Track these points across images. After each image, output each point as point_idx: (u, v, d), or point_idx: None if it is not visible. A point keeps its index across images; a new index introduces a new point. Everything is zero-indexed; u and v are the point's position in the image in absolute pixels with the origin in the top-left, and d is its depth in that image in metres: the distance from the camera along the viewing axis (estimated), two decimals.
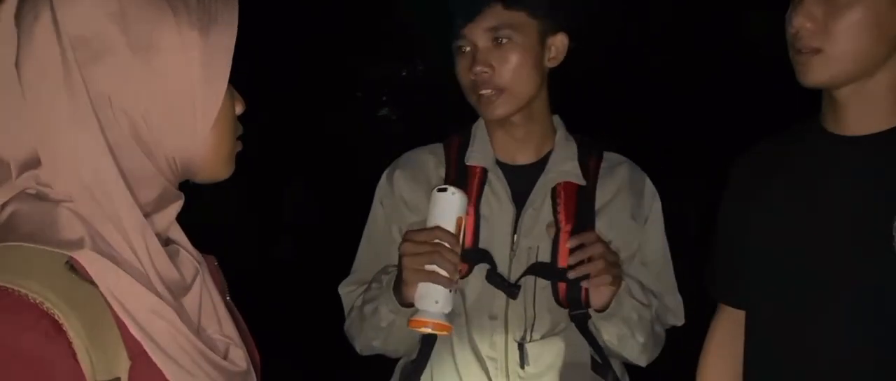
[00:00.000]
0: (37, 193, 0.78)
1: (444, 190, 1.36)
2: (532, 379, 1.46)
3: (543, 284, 1.46)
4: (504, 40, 1.44)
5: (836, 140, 1.27)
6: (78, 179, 0.77)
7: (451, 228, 1.35)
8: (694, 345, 1.56)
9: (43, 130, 0.77)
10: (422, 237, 1.34)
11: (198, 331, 0.83)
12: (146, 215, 0.81)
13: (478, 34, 1.45)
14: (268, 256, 6.27)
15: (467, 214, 1.44)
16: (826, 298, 1.25)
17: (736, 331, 1.44)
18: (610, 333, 1.47)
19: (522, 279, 1.46)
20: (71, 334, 0.71)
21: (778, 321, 1.32)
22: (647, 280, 1.54)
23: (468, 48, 1.46)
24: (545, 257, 1.46)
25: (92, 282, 0.75)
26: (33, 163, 0.78)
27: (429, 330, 1.35)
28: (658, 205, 1.59)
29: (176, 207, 0.86)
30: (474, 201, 1.49)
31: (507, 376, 1.46)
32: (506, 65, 1.44)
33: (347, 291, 1.60)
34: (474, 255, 1.46)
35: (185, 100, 0.81)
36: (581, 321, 1.47)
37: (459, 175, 1.52)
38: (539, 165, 1.54)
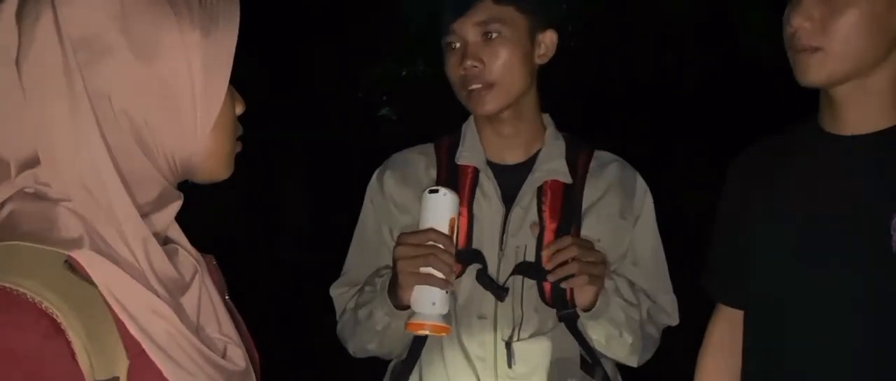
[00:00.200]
0: (35, 192, 0.78)
1: (436, 191, 1.36)
2: (520, 379, 1.46)
3: (530, 283, 1.46)
4: (494, 35, 1.44)
5: (834, 139, 1.27)
6: (76, 179, 0.77)
7: (445, 229, 1.35)
8: (691, 344, 1.56)
9: (43, 129, 0.77)
10: (416, 240, 1.34)
11: (197, 330, 0.84)
12: (145, 215, 0.82)
13: (467, 29, 1.44)
14: (267, 255, 6.27)
15: (460, 214, 1.44)
16: (824, 297, 1.25)
17: (734, 331, 1.44)
18: (597, 332, 1.47)
19: (510, 279, 1.46)
20: (69, 333, 0.71)
21: (776, 321, 1.32)
22: (638, 280, 1.53)
23: (457, 44, 1.46)
24: (532, 256, 1.46)
25: (91, 281, 0.75)
26: (33, 162, 0.78)
27: (427, 332, 1.36)
28: (650, 204, 1.58)
29: (175, 206, 0.86)
30: (467, 201, 1.49)
31: (496, 375, 1.46)
32: (496, 60, 1.44)
33: (339, 293, 1.59)
34: (467, 255, 1.46)
35: (185, 101, 0.81)
36: (570, 321, 1.47)
37: (451, 175, 1.52)
38: (528, 164, 1.53)
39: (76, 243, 0.75)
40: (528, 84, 1.50)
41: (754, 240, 1.35)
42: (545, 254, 1.39)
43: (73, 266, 0.74)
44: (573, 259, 1.36)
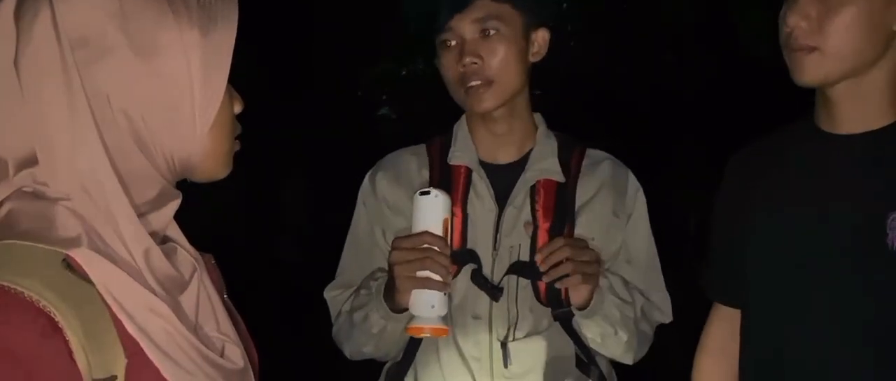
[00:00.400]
0: (34, 191, 0.78)
1: (427, 193, 1.36)
2: (516, 379, 1.46)
3: (525, 283, 1.46)
4: (491, 32, 1.44)
5: (830, 138, 1.28)
6: (74, 179, 0.77)
7: (439, 230, 1.35)
8: (689, 343, 1.56)
9: (40, 128, 0.77)
10: (410, 244, 1.34)
11: (195, 329, 0.84)
12: (144, 214, 0.82)
13: (465, 26, 1.44)
14: (267, 255, 6.27)
15: (454, 215, 1.45)
16: (822, 296, 1.25)
17: (731, 330, 1.44)
18: (592, 331, 1.47)
19: (505, 279, 1.46)
20: (67, 332, 0.71)
21: (773, 320, 1.32)
22: (631, 277, 1.53)
23: (454, 42, 1.45)
24: (526, 256, 1.46)
25: (89, 280, 0.75)
26: (31, 161, 0.78)
27: (427, 335, 1.36)
28: (642, 201, 1.58)
29: (173, 205, 0.86)
30: (461, 201, 1.48)
31: (491, 376, 1.46)
32: (494, 56, 1.43)
33: (333, 295, 1.59)
34: (462, 256, 1.46)
35: (184, 100, 0.81)
36: (565, 320, 1.47)
37: (443, 175, 1.51)
38: (520, 164, 1.53)
39: (74, 242, 0.75)
40: (523, 82, 1.50)
41: (751, 239, 1.35)
42: (539, 256, 1.39)
43: (71, 265, 0.75)
44: (567, 259, 1.36)
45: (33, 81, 0.77)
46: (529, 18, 1.49)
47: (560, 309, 1.46)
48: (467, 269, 1.46)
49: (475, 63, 1.43)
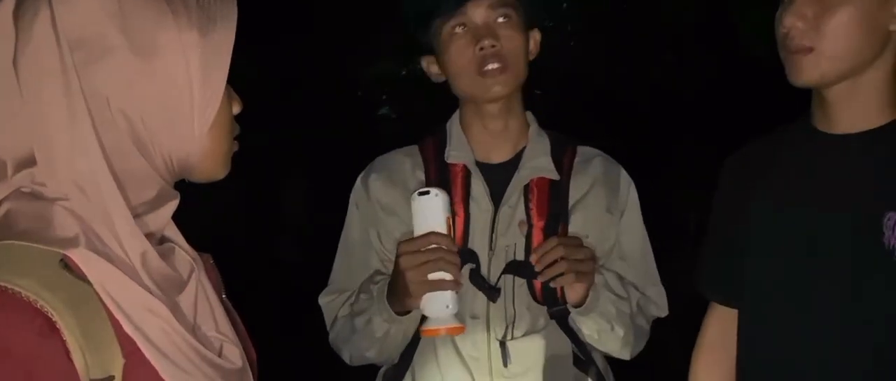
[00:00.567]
0: (32, 191, 0.78)
1: (427, 193, 1.35)
2: (515, 378, 1.45)
3: (521, 282, 1.46)
4: (502, 19, 1.44)
5: (827, 138, 1.28)
6: (71, 179, 0.77)
7: (442, 229, 1.34)
8: (687, 342, 1.56)
9: (39, 129, 0.77)
10: (418, 246, 1.33)
11: (193, 329, 0.84)
12: (142, 214, 0.82)
13: (479, 11, 1.43)
14: (267, 255, 6.28)
15: (456, 214, 1.44)
16: (818, 296, 1.25)
17: (728, 329, 1.44)
18: (589, 328, 1.47)
19: (501, 279, 1.46)
20: (65, 332, 0.71)
21: (770, 319, 1.33)
22: (626, 273, 1.53)
23: (460, 28, 1.44)
24: (521, 255, 1.46)
25: (86, 280, 0.75)
26: (29, 162, 0.78)
27: (444, 335, 1.35)
28: (635, 197, 1.58)
29: (172, 205, 0.86)
30: (463, 200, 1.48)
31: (491, 375, 1.45)
32: (510, 41, 1.43)
33: (328, 301, 1.57)
34: (463, 255, 1.45)
35: (183, 101, 0.81)
36: (561, 318, 1.47)
37: (441, 175, 1.50)
38: (513, 162, 1.53)
39: (72, 242, 0.75)
40: (526, 76, 1.50)
41: (748, 239, 1.35)
42: (533, 257, 1.39)
43: (68, 265, 0.75)
44: (561, 258, 1.36)
45: (32, 82, 0.77)
46: (528, 16, 1.49)
47: (556, 307, 1.46)
48: (466, 269, 1.46)
49: (494, 45, 1.42)
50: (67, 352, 0.71)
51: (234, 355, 0.88)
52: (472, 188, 1.49)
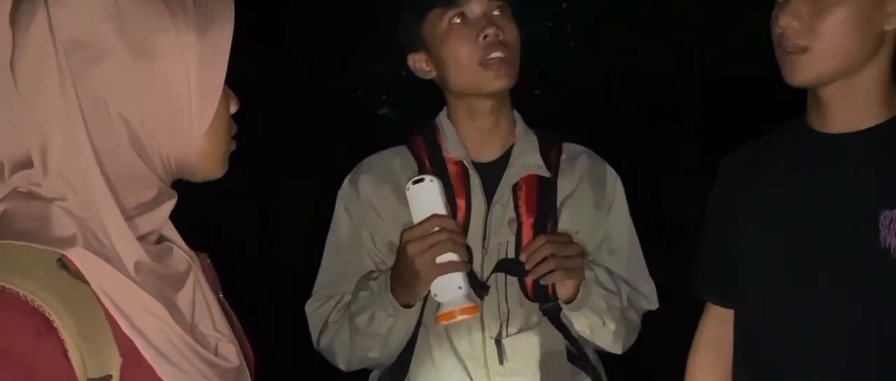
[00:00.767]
0: (29, 191, 0.79)
1: (422, 180, 1.35)
2: (512, 375, 1.46)
3: (513, 279, 1.46)
4: (497, 11, 1.44)
5: (822, 138, 1.28)
6: (64, 182, 0.77)
7: (443, 212, 1.34)
8: (684, 341, 1.57)
9: (34, 131, 0.77)
10: (423, 231, 1.33)
11: (191, 328, 0.84)
12: (140, 215, 0.82)
13: (478, 2, 1.43)
14: (267, 255, 6.27)
15: (458, 208, 1.44)
16: (815, 295, 1.26)
17: (724, 329, 1.44)
18: (581, 323, 1.48)
19: (493, 277, 1.46)
20: (62, 331, 0.71)
21: (767, 319, 1.33)
22: (615, 268, 1.54)
23: (460, 19, 1.44)
24: (513, 253, 1.46)
25: (84, 279, 0.75)
26: (27, 163, 0.79)
27: (459, 318, 1.34)
28: (621, 191, 1.59)
29: (169, 205, 0.86)
30: (465, 194, 1.48)
31: (487, 374, 1.45)
32: (511, 33, 1.44)
33: (316, 308, 1.54)
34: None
35: (181, 102, 0.82)
36: (553, 314, 1.48)
37: (439, 170, 1.49)
38: (502, 161, 1.53)
39: (69, 242, 0.76)
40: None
41: (744, 239, 1.36)
42: (523, 255, 1.40)
43: (66, 265, 0.75)
44: (550, 256, 1.36)
45: (28, 84, 0.77)
46: (516, 9, 1.50)
47: (548, 304, 1.47)
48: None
49: (499, 34, 1.42)
50: (65, 351, 0.71)
51: (231, 353, 0.89)
52: (470, 184, 1.49)
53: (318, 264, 1.60)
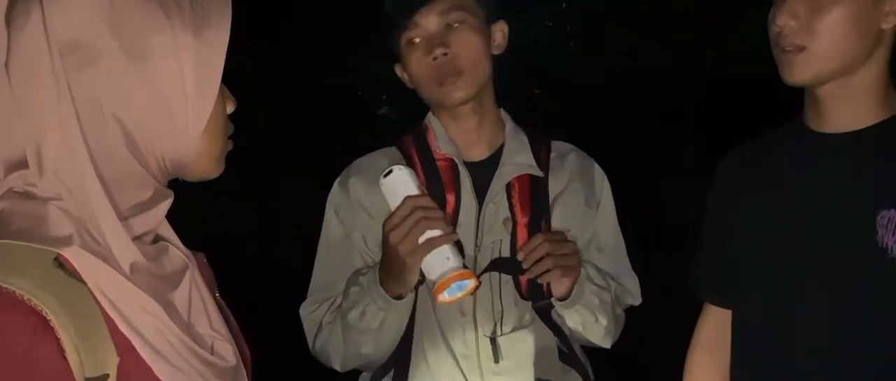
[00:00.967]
0: (25, 191, 0.79)
1: (390, 171, 1.35)
2: (506, 374, 1.46)
3: (506, 277, 1.47)
4: (456, 24, 1.44)
5: (819, 138, 1.28)
6: (58, 183, 0.77)
7: (416, 193, 1.33)
8: (677, 341, 1.57)
9: (29, 132, 0.77)
10: (400, 216, 1.32)
11: (188, 327, 0.84)
12: (136, 215, 0.82)
13: (431, 20, 1.44)
14: (267, 255, 6.27)
15: (448, 202, 1.44)
16: (812, 294, 1.26)
17: (722, 330, 1.44)
18: (574, 320, 1.49)
19: (486, 275, 1.46)
20: (59, 331, 0.71)
21: (765, 320, 1.33)
22: (603, 264, 1.55)
23: (419, 38, 1.45)
24: (507, 251, 1.47)
25: (81, 279, 0.75)
26: (22, 163, 0.79)
27: (459, 294, 1.32)
28: (608, 189, 1.60)
29: (165, 205, 0.86)
30: (455, 190, 1.48)
31: (481, 373, 1.45)
32: (463, 47, 1.43)
33: (310, 311, 1.54)
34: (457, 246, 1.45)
35: (177, 103, 0.81)
36: (544, 312, 1.48)
37: (430, 168, 1.50)
38: (493, 160, 1.53)
39: (66, 241, 0.76)
40: (490, 74, 1.50)
41: (741, 239, 1.36)
42: (520, 254, 1.40)
43: (63, 264, 0.75)
44: (547, 255, 1.37)
45: (22, 85, 0.77)
46: (488, 10, 1.50)
47: (541, 301, 1.48)
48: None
49: (445, 54, 1.43)
50: (62, 351, 0.71)
51: (228, 352, 0.89)
52: (460, 181, 1.49)
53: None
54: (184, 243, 0.91)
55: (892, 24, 1.21)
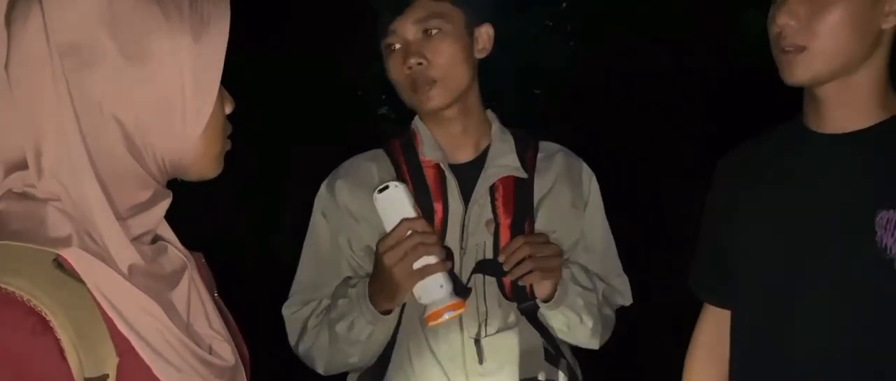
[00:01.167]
0: (24, 192, 0.79)
1: (386, 187, 1.35)
2: (490, 375, 1.46)
3: (491, 279, 1.47)
4: (434, 31, 1.44)
5: (819, 138, 1.28)
6: (57, 184, 0.77)
7: (413, 216, 1.34)
8: (676, 341, 1.57)
9: (28, 133, 0.77)
10: (396, 238, 1.33)
11: (186, 327, 0.84)
12: (135, 215, 0.82)
13: (407, 28, 1.44)
14: (267, 255, 6.27)
15: (435, 211, 1.45)
16: (812, 295, 1.26)
17: (721, 331, 1.44)
18: (559, 321, 1.49)
19: (472, 278, 1.46)
20: (58, 331, 0.71)
21: (763, 320, 1.33)
22: (591, 265, 1.55)
23: (398, 45, 1.46)
24: (490, 253, 1.47)
25: (80, 279, 0.75)
26: (22, 164, 0.79)
27: (447, 316, 1.33)
28: (596, 189, 1.60)
29: (164, 205, 0.87)
30: (441, 197, 1.48)
31: (466, 374, 1.45)
32: (439, 55, 1.44)
33: (293, 311, 1.55)
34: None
35: (176, 104, 0.81)
36: (530, 313, 1.48)
37: (416, 173, 1.50)
38: (478, 162, 1.53)
39: (65, 242, 0.76)
40: (471, 79, 1.50)
41: (740, 240, 1.36)
42: (501, 257, 1.41)
43: (62, 264, 0.75)
44: (528, 257, 1.37)
45: (22, 86, 0.77)
46: (471, 15, 1.49)
47: (525, 303, 1.48)
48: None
49: (420, 63, 1.43)
50: (61, 351, 0.71)
51: (227, 352, 0.89)
52: (447, 187, 1.49)
53: None
54: (182, 242, 0.91)
55: (892, 24, 1.21)
